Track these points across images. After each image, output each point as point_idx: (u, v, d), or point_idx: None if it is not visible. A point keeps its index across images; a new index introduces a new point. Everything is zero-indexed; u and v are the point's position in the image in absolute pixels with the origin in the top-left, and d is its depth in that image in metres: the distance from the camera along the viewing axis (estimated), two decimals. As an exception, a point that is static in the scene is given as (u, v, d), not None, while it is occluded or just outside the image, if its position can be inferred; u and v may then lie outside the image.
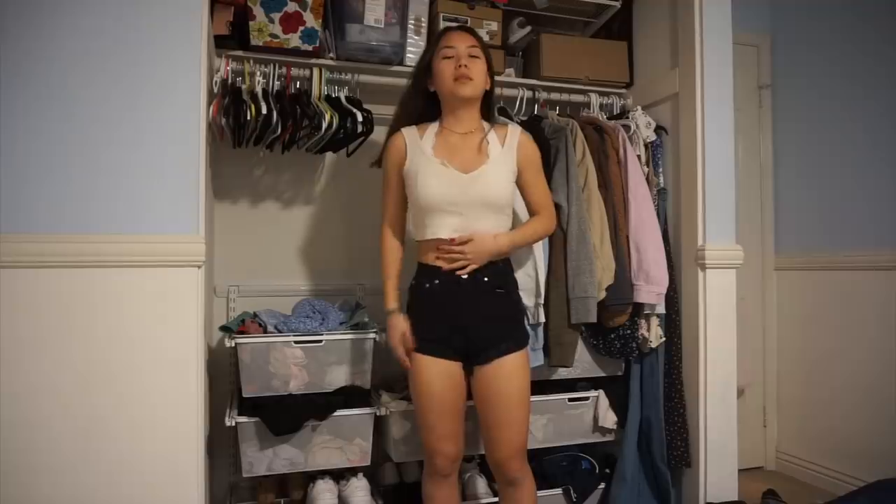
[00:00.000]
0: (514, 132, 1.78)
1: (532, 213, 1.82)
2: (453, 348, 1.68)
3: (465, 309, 1.68)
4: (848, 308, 2.72)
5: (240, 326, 2.01)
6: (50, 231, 1.53)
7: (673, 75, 2.33)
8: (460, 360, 1.70)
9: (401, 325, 1.71)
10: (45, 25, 1.54)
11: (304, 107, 2.06)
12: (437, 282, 1.69)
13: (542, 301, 2.01)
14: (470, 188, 1.66)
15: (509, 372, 1.68)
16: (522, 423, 1.70)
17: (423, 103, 1.78)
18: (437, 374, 1.67)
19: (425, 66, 1.75)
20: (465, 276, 1.67)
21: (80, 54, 1.56)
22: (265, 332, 2.02)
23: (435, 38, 1.78)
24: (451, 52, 1.68)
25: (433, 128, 1.77)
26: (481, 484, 2.20)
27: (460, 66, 1.66)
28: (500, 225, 1.71)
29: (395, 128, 1.80)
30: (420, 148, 1.73)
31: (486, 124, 1.79)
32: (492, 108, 1.83)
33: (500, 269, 1.72)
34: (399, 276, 1.81)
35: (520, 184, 1.78)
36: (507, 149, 1.74)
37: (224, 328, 2.03)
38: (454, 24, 1.79)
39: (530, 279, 2.00)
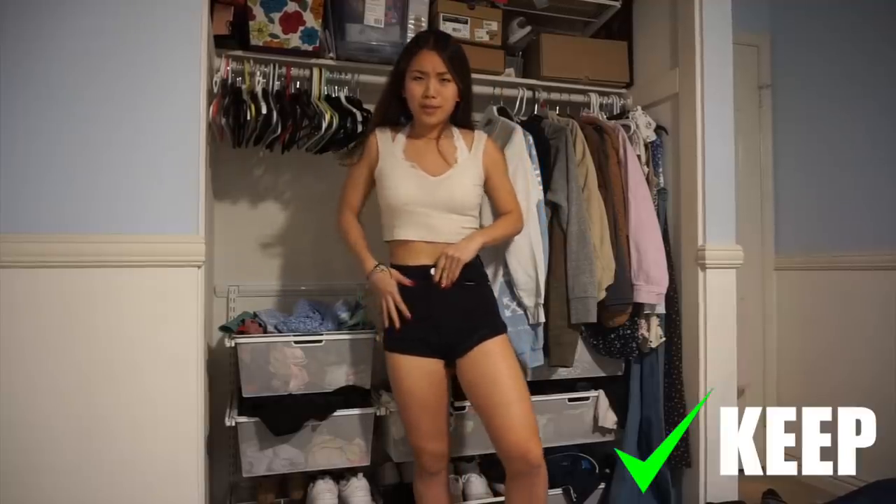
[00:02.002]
0: (481, 138, 1.82)
1: (499, 215, 1.85)
2: (430, 346, 1.69)
3: (435, 305, 1.69)
4: (848, 308, 2.72)
5: (240, 326, 2.01)
6: (50, 231, 1.53)
7: (673, 75, 2.33)
8: (439, 358, 1.71)
9: (389, 276, 1.70)
10: (44, 26, 1.54)
11: (304, 107, 2.06)
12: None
13: (542, 301, 2.01)
14: (437, 191, 1.70)
15: (493, 353, 1.67)
16: (526, 400, 1.65)
17: (398, 107, 1.79)
18: (417, 373, 1.69)
19: (400, 74, 1.74)
20: (432, 272, 1.68)
21: (80, 54, 1.56)
22: (265, 332, 2.02)
23: (408, 48, 1.74)
24: (421, 76, 1.68)
25: (405, 131, 1.81)
26: (481, 484, 2.20)
27: (428, 96, 1.67)
28: (464, 227, 1.74)
29: (372, 127, 1.84)
30: (391, 150, 1.77)
31: (455, 130, 1.81)
32: (461, 114, 1.80)
33: (468, 264, 1.71)
34: (367, 242, 1.81)
35: (487, 188, 1.82)
36: (474, 154, 1.79)
37: (224, 328, 2.03)
38: (429, 37, 1.71)
39: (530, 279, 2.00)
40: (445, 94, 1.69)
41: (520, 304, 2.03)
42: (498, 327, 1.74)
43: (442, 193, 1.70)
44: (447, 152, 1.76)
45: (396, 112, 1.80)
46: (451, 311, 1.69)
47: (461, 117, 1.81)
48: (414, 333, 1.69)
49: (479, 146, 1.80)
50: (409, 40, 2.20)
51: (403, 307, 1.68)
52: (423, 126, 1.76)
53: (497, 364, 1.66)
